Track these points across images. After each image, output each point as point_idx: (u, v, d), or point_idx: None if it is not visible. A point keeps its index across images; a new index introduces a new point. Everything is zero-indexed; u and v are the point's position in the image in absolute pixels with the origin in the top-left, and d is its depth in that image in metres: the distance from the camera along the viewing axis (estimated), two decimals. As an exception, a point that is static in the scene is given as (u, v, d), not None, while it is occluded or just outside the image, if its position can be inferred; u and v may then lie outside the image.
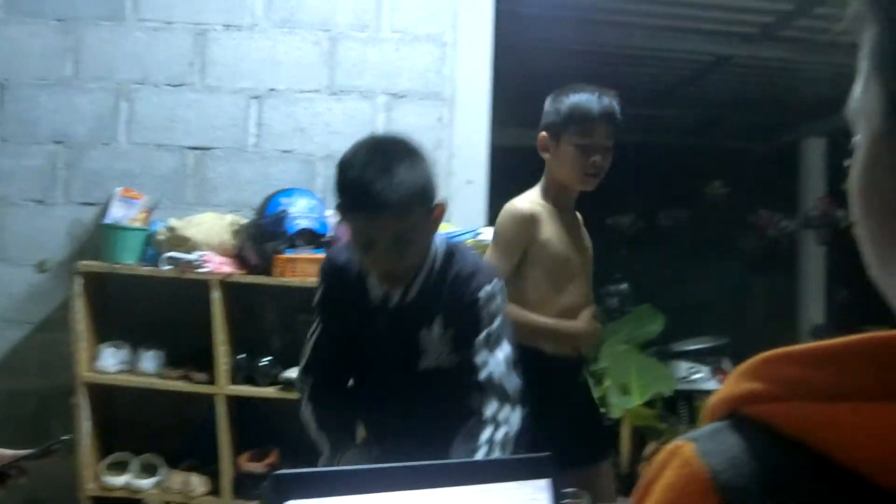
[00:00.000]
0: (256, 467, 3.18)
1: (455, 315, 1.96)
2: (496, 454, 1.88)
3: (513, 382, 1.96)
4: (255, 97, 3.52)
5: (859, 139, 0.53)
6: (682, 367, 5.57)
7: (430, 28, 3.55)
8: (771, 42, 5.13)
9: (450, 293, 1.97)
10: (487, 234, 3.35)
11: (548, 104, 2.65)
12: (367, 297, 2.03)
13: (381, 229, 1.85)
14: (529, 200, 2.64)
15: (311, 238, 3.24)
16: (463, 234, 3.32)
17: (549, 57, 5.43)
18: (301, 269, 3.18)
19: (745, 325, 7.09)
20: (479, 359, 1.94)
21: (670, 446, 0.52)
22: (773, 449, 0.46)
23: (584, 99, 2.50)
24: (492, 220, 3.53)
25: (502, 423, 1.91)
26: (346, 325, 2.08)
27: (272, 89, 3.52)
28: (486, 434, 1.89)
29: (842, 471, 0.44)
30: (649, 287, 6.66)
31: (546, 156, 2.67)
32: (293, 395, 3.17)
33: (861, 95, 0.52)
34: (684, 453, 0.50)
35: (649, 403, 4.35)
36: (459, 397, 1.94)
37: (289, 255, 3.18)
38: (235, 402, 3.29)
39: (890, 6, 0.49)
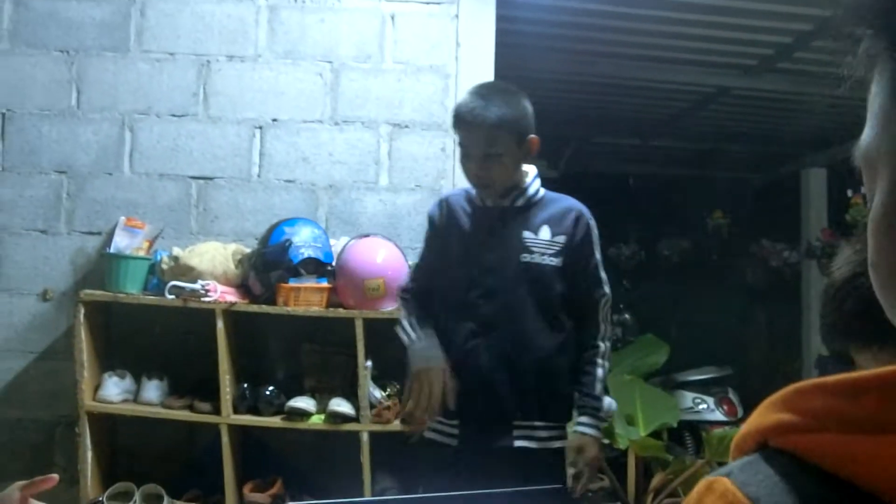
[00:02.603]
0: (261, 497, 3.15)
1: (567, 228, 2.44)
2: (608, 367, 2.44)
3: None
4: (258, 127, 3.53)
5: (881, 180, 0.51)
6: (687, 397, 5.55)
7: (432, 59, 3.58)
8: (771, 74, 5.16)
9: (559, 212, 2.47)
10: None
11: None
12: (479, 207, 2.49)
13: (473, 142, 2.36)
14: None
15: (315, 267, 3.24)
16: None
17: (548, 89, 5.45)
18: (305, 298, 3.17)
19: (749, 356, 7.07)
20: (602, 275, 2.49)
21: (702, 483, 0.50)
22: (810, 481, 0.45)
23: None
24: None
25: (610, 337, 2.47)
26: (457, 242, 2.50)
27: (275, 119, 3.54)
28: (602, 346, 2.44)
29: (877, 502, 0.43)
30: (652, 317, 6.65)
31: None
32: (297, 425, 3.18)
33: (878, 135, 0.51)
34: (720, 487, 0.48)
35: (655, 434, 4.31)
36: (552, 297, 2.42)
37: (293, 284, 3.17)
38: (239, 432, 3.27)
39: None
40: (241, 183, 3.52)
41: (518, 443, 2.37)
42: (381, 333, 3.23)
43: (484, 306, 2.42)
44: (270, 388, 3.25)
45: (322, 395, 3.25)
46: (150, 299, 3.24)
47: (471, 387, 2.39)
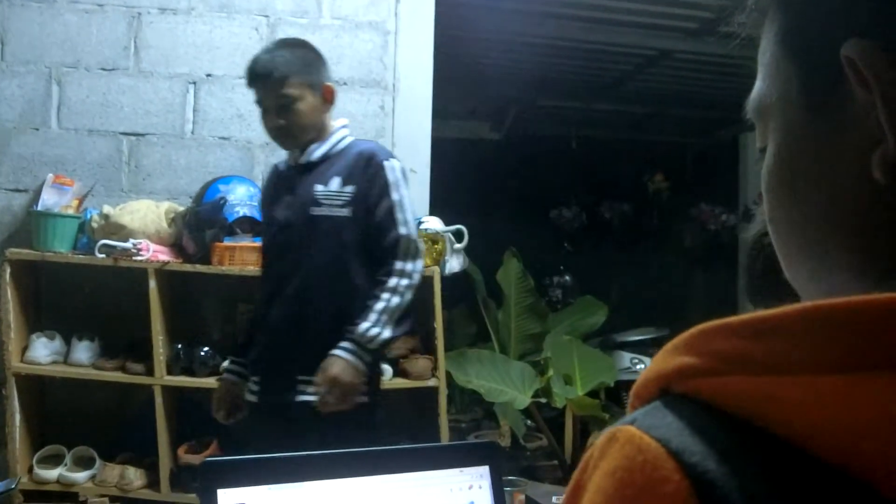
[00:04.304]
0: (195, 459, 3.12)
1: (357, 175, 2.44)
2: (397, 301, 2.37)
3: (420, 244, 2.49)
4: (192, 83, 3.44)
5: (772, 131, 0.51)
6: (625, 357, 5.62)
7: (371, 15, 3.51)
8: (712, 37, 5.18)
9: (352, 160, 2.46)
10: (430, 222, 3.33)
11: None
12: (283, 169, 2.58)
13: (266, 94, 2.43)
14: None
15: (251, 226, 3.19)
16: (405, 222, 3.29)
17: (491, 49, 5.41)
18: (240, 258, 3.12)
19: (687, 318, 7.17)
20: (398, 216, 2.43)
21: (603, 436, 0.47)
22: (716, 425, 0.43)
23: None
24: (434, 210, 3.51)
25: (407, 274, 2.41)
26: (268, 206, 2.59)
27: (209, 75, 3.45)
28: (392, 281, 2.38)
29: (787, 447, 0.41)
30: (592, 279, 6.70)
31: None
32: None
33: (768, 86, 0.51)
34: (624, 435, 0.45)
35: (592, 393, 4.36)
36: (346, 248, 2.42)
37: (228, 243, 3.12)
38: (173, 393, 3.22)
39: None
40: (174, 140, 3.44)
41: (300, 397, 2.39)
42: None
43: (277, 264, 2.51)
44: (205, 348, 3.21)
45: (258, 355, 3.21)
46: (80, 258, 3.16)
47: (265, 344, 2.48)
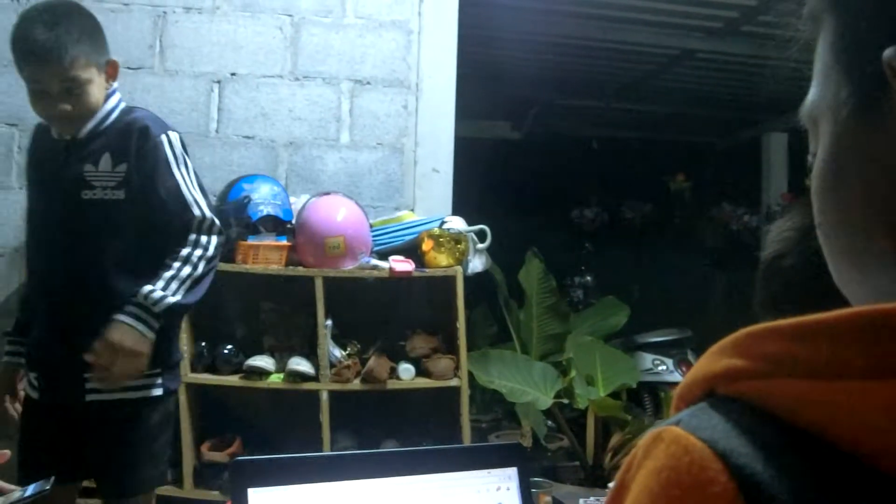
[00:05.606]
0: (218, 456, 3.13)
1: (130, 152, 2.21)
2: (188, 271, 2.18)
3: (216, 221, 2.28)
4: (217, 81, 3.46)
5: (822, 137, 0.52)
6: (647, 358, 5.60)
7: (395, 14, 3.51)
8: (734, 37, 5.15)
9: (122, 135, 2.23)
10: (453, 222, 3.33)
11: None
12: (49, 142, 2.28)
13: (48, 78, 2.11)
14: None
15: (275, 225, 3.20)
16: (429, 221, 3.30)
17: (513, 49, 5.41)
18: (264, 256, 3.13)
19: (709, 318, 7.14)
20: (187, 196, 2.23)
21: (648, 436, 0.47)
22: (764, 427, 0.43)
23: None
24: (456, 210, 3.51)
25: (202, 245, 2.23)
26: (33, 183, 2.37)
27: (234, 74, 3.46)
28: (185, 251, 2.20)
29: (835, 450, 0.41)
30: (613, 279, 6.68)
31: None
32: (256, 384, 3.15)
33: (820, 92, 0.52)
34: (670, 435, 0.45)
35: (614, 394, 4.35)
36: (124, 234, 2.23)
37: (251, 241, 3.13)
38: (197, 391, 3.23)
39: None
40: (198, 138, 3.45)
41: (90, 397, 2.22)
42: (341, 292, 3.21)
43: (49, 253, 2.28)
44: (229, 346, 3.22)
45: (281, 353, 3.23)
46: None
47: (43, 340, 2.28)
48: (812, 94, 0.53)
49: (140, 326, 2.13)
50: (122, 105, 2.31)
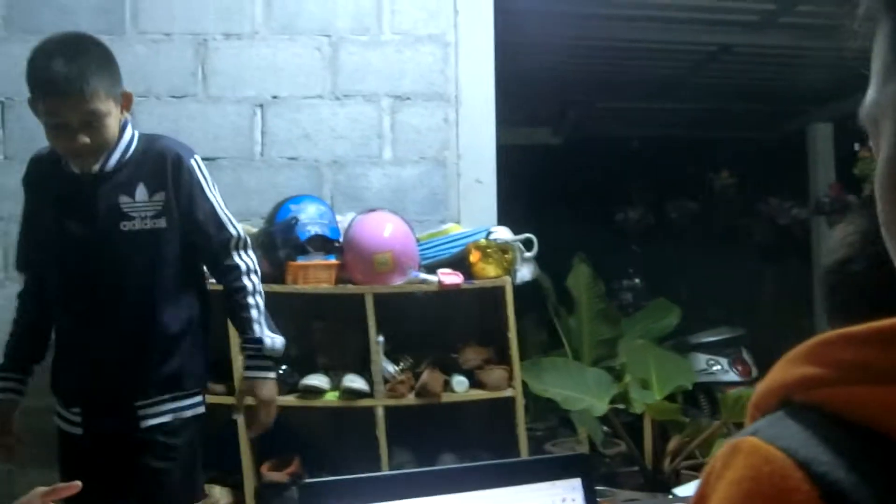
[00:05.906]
0: (278, 476, 3.15)
1: (166, 180, 2.25)
2: (260, 299, 2.33)
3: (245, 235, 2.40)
4: (259, 105, 3.50)
5: (884, 137, 0.51)
6: (701, 359, 5.55)
7: (431, 29, 3.53)
8: (772, 29, 5.09)
9: (154, 164, 2.27)
10: (499, 232, 3.33)
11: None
12: (67, 175, 2.27)
13: (69, 111, 2.11)
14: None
15: (323, 244, 3.22)
16: (475, 233, 3.30)
17: (549, 54, 5.40)
18: (314, 276, 3.16)
19: (760, 315, 7.05)
20: (222, 217, 2.34)
21: (726, 447, 0.47)
22: (843, 435, 0.43)
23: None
24: (501, 219, 3.51)
25: (252, 270, 2.37)
26: (50, 212, 2.32)
27: (275, 97, 3.50)
28: (241, 282, 2.32)
29: None
30: (661, 280, 6.63)
31: None
32: (312, 403, 3.17)
33: (880, 91, 0.51)
34: (747, 446, 0.45)
35: (670, 397, 4.30)
36: (168, 261, 2.28)
37: (301, 261, 3.15)
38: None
39: None
40: (244, 162, 3.49)
41: (146, 423, 2.29)
42: (392, 307, 3.22)
43: (84, 287, 2.29)
44: (283, 366, 3.24)
45: (335, 371, 3.24)
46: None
47: (85, 374, 2.31)
48: (871, 94, 0.52)
49: (272, 375, 2.36)
50: (137, 133, 2.34)
